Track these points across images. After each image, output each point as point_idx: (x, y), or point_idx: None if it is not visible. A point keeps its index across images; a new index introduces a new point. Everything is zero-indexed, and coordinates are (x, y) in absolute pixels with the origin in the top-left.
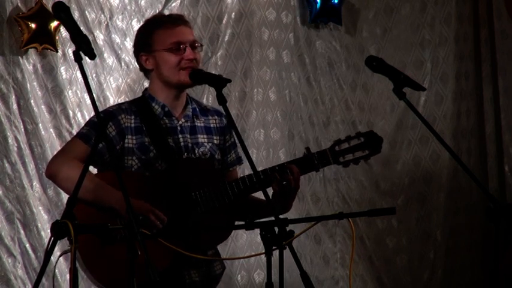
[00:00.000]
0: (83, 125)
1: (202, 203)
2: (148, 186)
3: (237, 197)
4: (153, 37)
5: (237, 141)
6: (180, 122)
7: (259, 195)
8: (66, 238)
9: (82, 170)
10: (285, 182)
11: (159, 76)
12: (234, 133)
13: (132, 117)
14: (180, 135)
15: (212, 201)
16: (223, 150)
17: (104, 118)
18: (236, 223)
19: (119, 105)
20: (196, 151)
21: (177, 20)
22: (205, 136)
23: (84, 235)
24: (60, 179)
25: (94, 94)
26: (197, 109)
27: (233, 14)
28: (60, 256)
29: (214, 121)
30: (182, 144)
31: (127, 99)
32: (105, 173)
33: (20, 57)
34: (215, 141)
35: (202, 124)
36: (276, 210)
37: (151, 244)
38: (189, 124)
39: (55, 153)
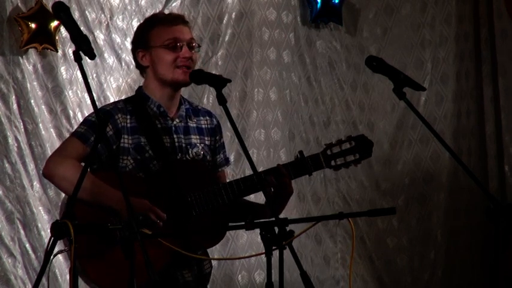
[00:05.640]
0: None
1: (197, 205)
2: (143, 187)
3: (232, 200)
4: (151, 33)
5: (225, 142)
6: (175, 123)
7: (252, 198)
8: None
9: (82, 170)
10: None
11: (154, 73)
12: (234, 132)
13: (128, 116)
14: (174, 136)
15: (207, 204)
16: (213, 151)
17: (104, 118)
18: (236, 223)
19: (115, 103)
20: (190, 151)
21: (175, 18)
22: (197, 137)
23: (79, 236)
24: (58, 178)
25: (94, 94)
26: (190, 109)
27: (233, 13)
28: (55, 255)
29: (205, 122)
30: (177, 144)
31: None
32: (100, 173)
33: (20, 57)
34: (206, 142)
35: (194, 125)
36: (274, 212)
37: (148, 244)
38: (182, 124)
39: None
